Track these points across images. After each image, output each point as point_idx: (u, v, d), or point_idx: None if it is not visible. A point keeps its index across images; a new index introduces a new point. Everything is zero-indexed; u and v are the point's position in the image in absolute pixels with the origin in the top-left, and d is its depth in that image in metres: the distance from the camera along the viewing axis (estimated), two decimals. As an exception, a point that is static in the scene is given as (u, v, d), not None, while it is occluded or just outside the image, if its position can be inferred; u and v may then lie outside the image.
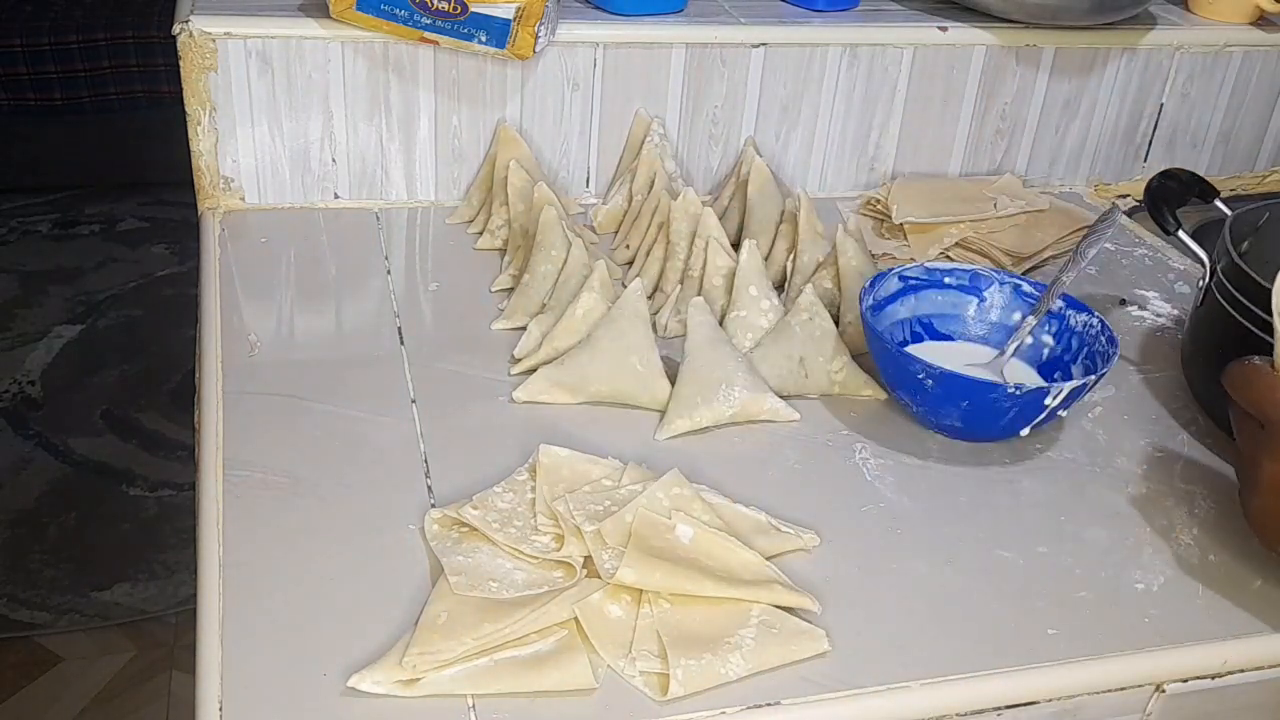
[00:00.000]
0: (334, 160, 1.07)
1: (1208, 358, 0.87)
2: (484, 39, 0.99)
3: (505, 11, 0.98)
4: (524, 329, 0.90)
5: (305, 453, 0.78)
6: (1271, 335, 0.69)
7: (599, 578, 0.67)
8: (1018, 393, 0.78)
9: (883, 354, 0.85)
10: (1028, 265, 1.07)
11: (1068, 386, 0.79)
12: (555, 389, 0.85)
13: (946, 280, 0.92)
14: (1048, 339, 0.89)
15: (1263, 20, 1.25)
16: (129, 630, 1.88)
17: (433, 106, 1.07)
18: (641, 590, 0.66)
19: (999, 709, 0.66)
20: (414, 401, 0.84)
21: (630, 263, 1.03)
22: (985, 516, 0.78)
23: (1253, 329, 0.79)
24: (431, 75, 1.05)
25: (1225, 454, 0.86)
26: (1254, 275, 0.79)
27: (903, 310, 0.91)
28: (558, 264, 0.94)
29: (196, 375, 0.89)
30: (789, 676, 0.64)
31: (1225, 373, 0.69)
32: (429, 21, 0.98)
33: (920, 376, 0.81)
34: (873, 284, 0.89)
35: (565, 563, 0.68)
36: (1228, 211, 0.90)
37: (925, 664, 0.66)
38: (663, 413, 0.84)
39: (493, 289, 0.98)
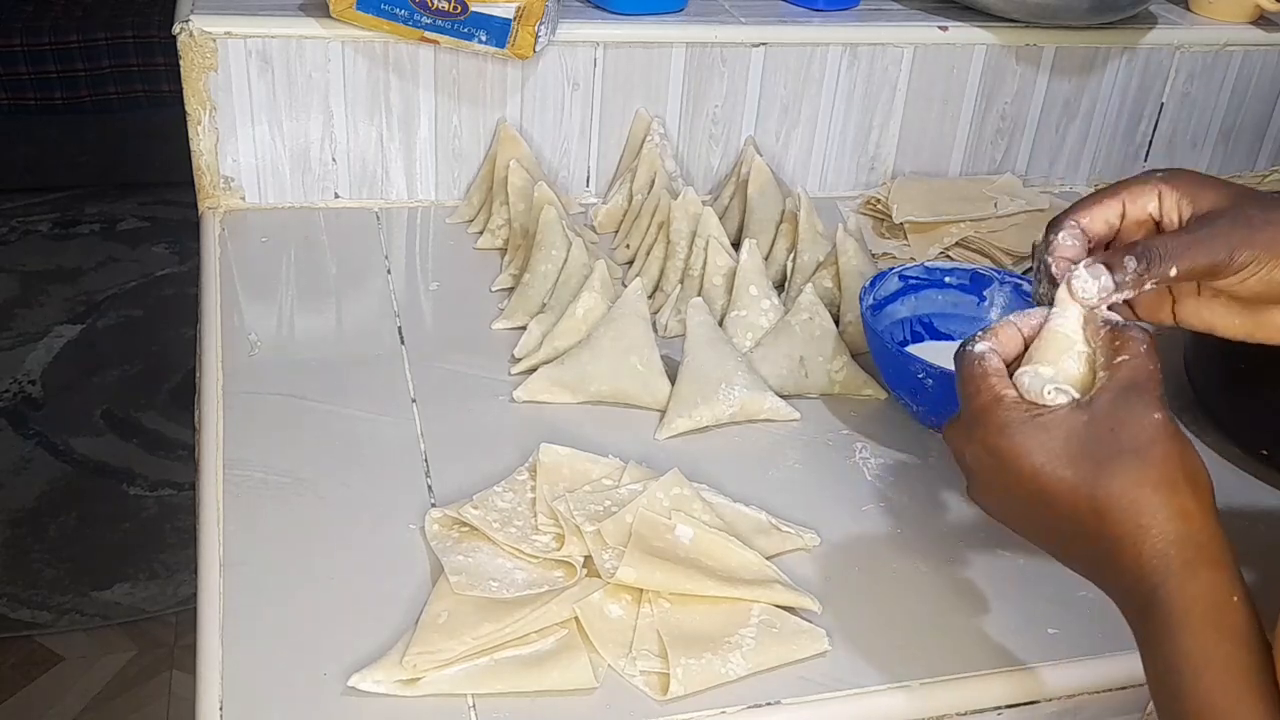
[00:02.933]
0: (334, 160, 1.07)
1: (1224, 369, 0.88)
2: (484, 38, 0.99)
3: (505, 11, 0.98)
4: (524, 328, 0.90)
5: (305, 452, 0.78)
6: None
7: (599, 577, 0.67)
8: (1018, 392, 0.78)
9: (883, 354, 0.85)
10: (1028, 265, 1.07)
11: (1068, 386, 0.78)
12: (555, 388, 0.85)
13: (947, 280, 0.92)
14: (1048, 339, 0.89)
15: (1263, 20, 1.24)
16: (129, 630, 1.88)
17: (433, 106, 1.07)
18: (642, 590, 0.67)
19: (999, 709, 0.66)
20: (414, 401, 0.84)
21: (630, 262, 1.03)
22: (985, 516, 0.78)
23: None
24: (431, 75, 1.05)
25: (1226, 454, 0.86)
26: None
27: (903, 310, 0.91)
28: (558, 264, 0.94)
29: (196, 375, 0.89)
30: (789, 676, 0.64)
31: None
32: (429, 21, 0.98)
33: (920, 376, 0.81)
34: (873, 284, 0.89)
35: (565, 562, 0.68)
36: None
37: (925, 664, 0.66)
38: (663, 412, 0.84)
39: (493, 289, 0.98)
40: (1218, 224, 0.58)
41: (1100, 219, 0.61)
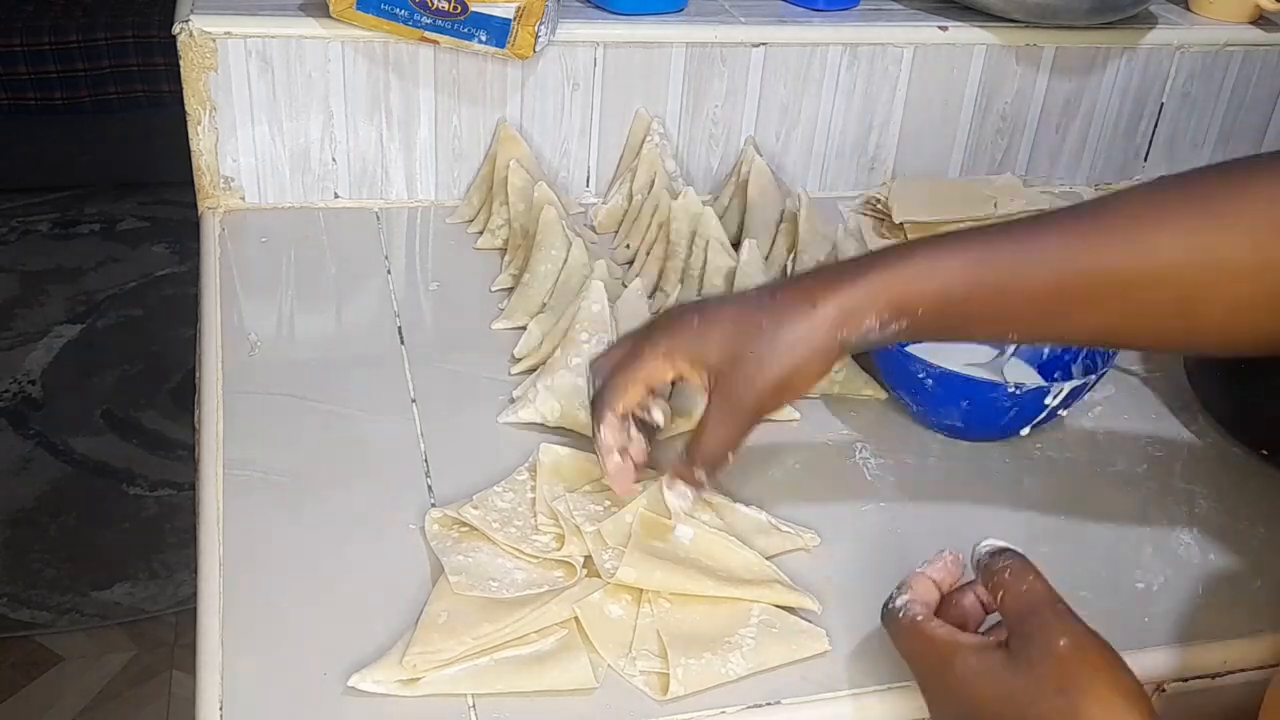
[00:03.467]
0: (334, 160, 1.07)
1: (1224, 368, 0.87)
2: (484, 38, 0.99)
3: (505, 11, 0.98)
4: (524, 328, 0.90)
5: (305, 453, 0.78)
6: None
7: (599, 577, 0.67)
8: (1018, 392, 0.78)
9: (883, 354, 0.85)
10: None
11: (1068, 386, 0.79)
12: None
13: (946, 280, 0.92)
14: (1048, 339, 0.89)
15: (1263, 20, 1.24)
16: (129, 630, 1.88)
17: (433, 106, 1.07)
18: (642, 590, 0.67)
19: (999, 709, 0.66)
20: (414, 401, 0.84)
21: (630, 262, 1.03)
22: (985, 517, 0.78)
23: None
24: (431, 75, 1.05)
25: (1226, 454, 0.86)
26: None
27: (903, 310, 0.91)
28: (558, 264, 0.94)
29: (196, 375, 0.89)
30: (789, 676, 0.64)
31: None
32: (429, 21, 0.98)
33: (920, 376, 0.81)
34: (873, 284, 0.88)
35: (565, 562, 0.68)
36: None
37: (925, 664, 0.66)
38: (663, 412, 0.84)
39: (493, 289, 0.98)
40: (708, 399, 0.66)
41: (630, 402, 0.68)
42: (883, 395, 0.88)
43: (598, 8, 1.10)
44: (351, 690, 0.60)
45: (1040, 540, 0.76)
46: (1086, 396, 0.84)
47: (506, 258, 1.02)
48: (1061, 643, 0.54)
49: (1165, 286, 0.60)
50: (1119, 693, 0.53)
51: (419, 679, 0.61)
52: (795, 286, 0.65)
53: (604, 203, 1.10)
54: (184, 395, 2.32)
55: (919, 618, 0.59)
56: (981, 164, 1.23)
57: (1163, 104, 1.25)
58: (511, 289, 0.97)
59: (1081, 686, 0.53)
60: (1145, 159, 1.29)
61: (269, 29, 1.00)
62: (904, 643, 0.60)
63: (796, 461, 0.82)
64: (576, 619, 0.65)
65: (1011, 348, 0.88)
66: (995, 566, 0.58)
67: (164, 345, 2.55)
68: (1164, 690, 0.68)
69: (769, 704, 0.63)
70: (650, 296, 0.96)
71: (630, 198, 1.09)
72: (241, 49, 1.00)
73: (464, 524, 0.70)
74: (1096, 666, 0.54)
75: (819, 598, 0.69)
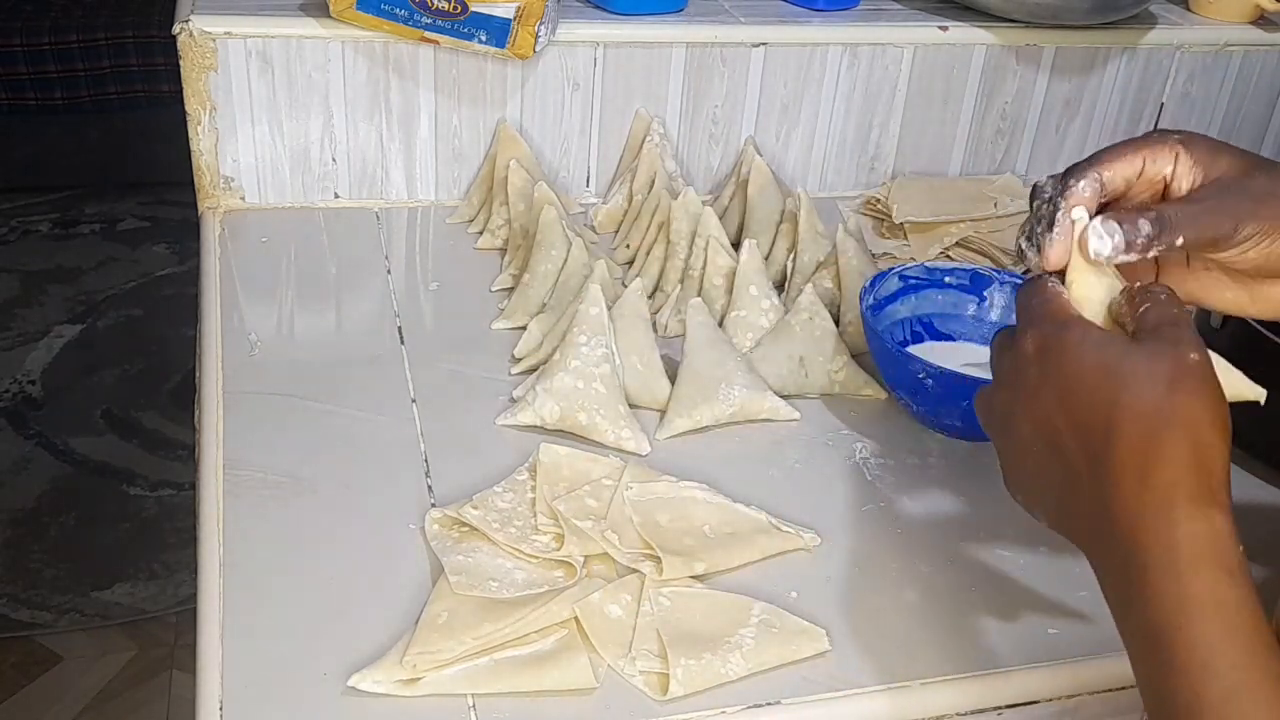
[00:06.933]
0: (334, 160, 1.07)
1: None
2: (484, 38, 0.99)
3: (505, 11, 0.98)
4: (524, 328, 0.90)
5: (305, 453, 0.78)
6: None
7: (600, 577, 0.67)
8: (1018, 392, 0.78)
9: (883, 354, 0.85)
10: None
11: (1068, 386, 0.78)
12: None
13: (947, 280, 0.92)
14: (1048, 339, 0.89)
15: (1263, 20, 1.24)
16: (129, 630, 1.88)
17: (433, 106, 1.07)
18: (642, 588, 0.67)
19: (999, 709, 0.66)
20: (414, 401, 0.84)
21: (630, 262, 1.03)
22: (985, 516, 0.78)
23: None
24: (431, 75, 1.05)
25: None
26: None
27: (903, 310, 0.91)
28: (558, 264, 0.94)
29: (196, 375, 0.89)
30: (789, 676, 0.64)
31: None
32: (429, 21, 0.98)
33: (920, 376, 0.81)
34: (873, 284, 0.89)
35: (565, 562, 0.68)
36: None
37: (925, 664, 0.66)
38: (663, 412, 0.84)
39: (493, 289, 0.98)
40: (1226, 195, 0.57)
41: (1121, 175, 0.59)
42: (883, 395, 0.88)
43: (598, 8, 1.10)
44: (351, 690, 0.61)
45: (1040, 541, 0.76)
46: (1086, 396, 0.84)
47: (506, 258, 1.02)
48: (1193, 356, 0.51)
49: None
50: (1216, 427, 0.50)
51: (419, 679, 0.61)
52: None
53: (604, 203, 1.10)
54: (184, 395, 2.32)
55: (1050, 283, 0.56)
56: (981, 164, 1.23)
57: (1163, 104, 1.25)
58: (511, 289, 0.97)
59: (1187, 401, 0.50)
60: (1145, 159, 1.29)
61: (269, 29, 1.00)
62: (1024, 297, 0.57)
63: (796, 461, 0.82)
64: (576, 619, 0.65)
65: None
66: (1149, 289, 0.55)
67: (164, 345, 2.55)
68: (1164, 690, 0.68)
69: (769, 704, 0.63)
70: (650, 296, 0.97)
71: (630, 198, 1.09)
72: (241, 49, 1.00)
73: (464, 524, 0.70)
74: (1210, 402, 0.51)
75: (819, 598, 0.69)
